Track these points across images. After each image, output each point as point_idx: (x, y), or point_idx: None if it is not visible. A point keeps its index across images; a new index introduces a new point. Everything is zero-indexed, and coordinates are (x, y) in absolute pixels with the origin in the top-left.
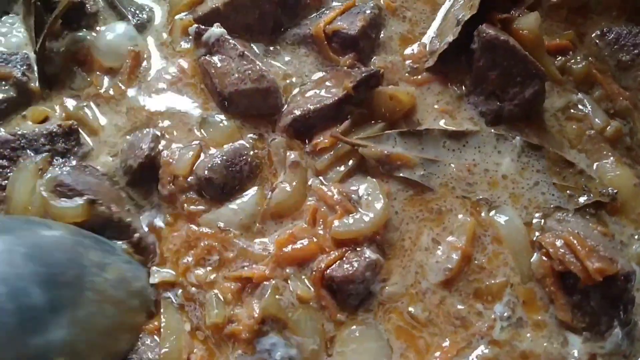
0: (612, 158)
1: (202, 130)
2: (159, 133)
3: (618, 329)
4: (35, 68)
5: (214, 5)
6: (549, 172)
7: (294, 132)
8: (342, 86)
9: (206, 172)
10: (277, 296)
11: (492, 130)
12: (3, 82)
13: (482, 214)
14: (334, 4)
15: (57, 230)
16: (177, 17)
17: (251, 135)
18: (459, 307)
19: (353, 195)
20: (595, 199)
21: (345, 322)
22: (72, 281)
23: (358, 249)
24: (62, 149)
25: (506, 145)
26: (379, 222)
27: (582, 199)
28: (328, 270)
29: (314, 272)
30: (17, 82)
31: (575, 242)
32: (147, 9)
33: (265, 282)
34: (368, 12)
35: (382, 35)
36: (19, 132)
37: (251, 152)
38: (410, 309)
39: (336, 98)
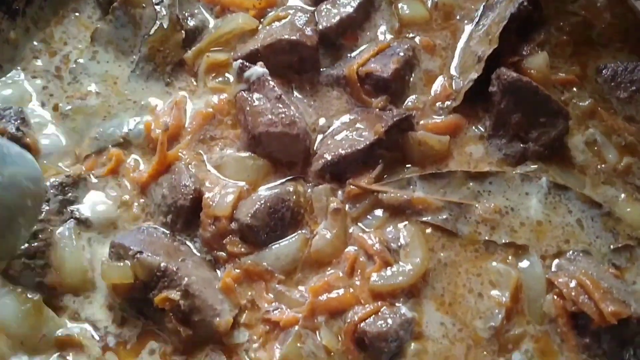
0: (623, 195)
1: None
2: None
3: None
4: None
5: (254, 47)
6: (576, 214)
7: (329, 177)
8: (374, 130)
9: (248, 218)
10: (299, 344)
11: (517, 171)
12: None
13: (509, 260)
14: (369, 45)
15: None
16: (207, 54)
17: (290, 180)
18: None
19: (392, 244)
20: (625, 242)
21: None
22: None
23: (394, 304)
24: (73, 198)
25: (532, 186)
26: (418, 274)
27: (612, 244)
28: (361, 324)
29: (347, 323)
30: (11, 137)
31: (589, 283)
32: None
33: (291, 329)
34: (402, 54)
35: (413, 75)
36: None
37: (293, 198)
38: None
39: (367, 142)
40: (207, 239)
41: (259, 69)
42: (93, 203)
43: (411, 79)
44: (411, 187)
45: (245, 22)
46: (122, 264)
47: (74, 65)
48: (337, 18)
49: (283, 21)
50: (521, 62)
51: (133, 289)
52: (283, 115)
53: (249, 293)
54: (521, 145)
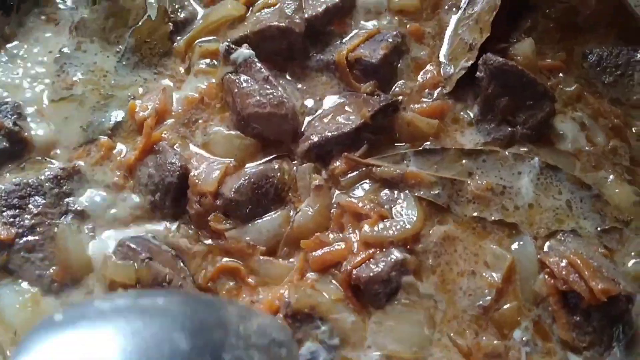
0: (612, 176)
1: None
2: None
3: (617, 349)
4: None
5: (243, 33)
6: (566, 195)
7: (314, 157)
8: (360, 114)
9: (232, 193)
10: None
11: (510, 151)
12: None
13: (499, 238)
14: (358, 31)
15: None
16: (196, 42)
17: (276, 158)
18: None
19: (386, 205)
20: (612, 224)
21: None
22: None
23: (385, 249)
24: (69, 190)
25: (524, 166)
26: (415, 227)
27: (599, 226)
28: (355, 271)
29: (341, 273)
30: (9, 132)
31: (579, 262)
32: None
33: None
34: (390, 40)
35: (401, 62)
36: (23, 181)
37: (277, 175)
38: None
39: (353, 126)
40: (194, 217)
41: (245, 51)
42: (88, 194)
43: (399, 66)
44: (405, 162)
45: (234, 8)
46: (128, 263)
47: (58, 55)
48: (324, 7)
49: (272, 8)
50: (508, 48)
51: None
52: (271, 96)
53: (230, 284)
54: (509, 128)
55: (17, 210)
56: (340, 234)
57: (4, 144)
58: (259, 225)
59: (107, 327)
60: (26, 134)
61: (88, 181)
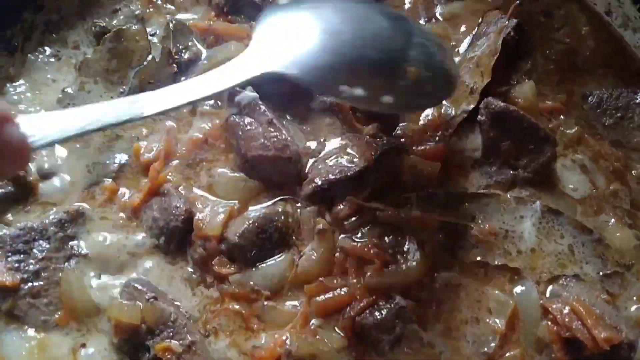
0: (613, 220)
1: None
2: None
3: None
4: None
5: None
6: (568, 240)
7: (318, 200)
8: (364, 157)
9: (236, 238)
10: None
11: (512, 195)
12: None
13: (502, 282)
14: None
15: None
16: None
17: (280, 200)
18: None
19: (389, 250)
20: (613, 269)
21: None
22: None
23: (389, 296)
24: (73, 233)
25: (526, 209)
26: (419, 273)
27: (600, 270)
28: (357, 318)
29: (344, 319)
30: (14, 176)
31: (582, 310)
32: None
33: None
34: None
35: None
36: (28, 225)
37: (282, 218)
38: None
39: (357, 169)
40: (196, 260)
41: (249, 93)
42: (92, 237)
43: None
44: (409, 205)
45: (237, 50)
46: (132, 303)
47: (61, 95)
48: None
49: None
50: (509, 91)
51: (134, 331)
52: (275, 139)
53: (231, 327)
54: (511, 171)
55: (22, 255)
56: (344, 279)
57: (10, 188)
58: (264, 270)
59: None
60: (31, 177)
61: (92, 224)
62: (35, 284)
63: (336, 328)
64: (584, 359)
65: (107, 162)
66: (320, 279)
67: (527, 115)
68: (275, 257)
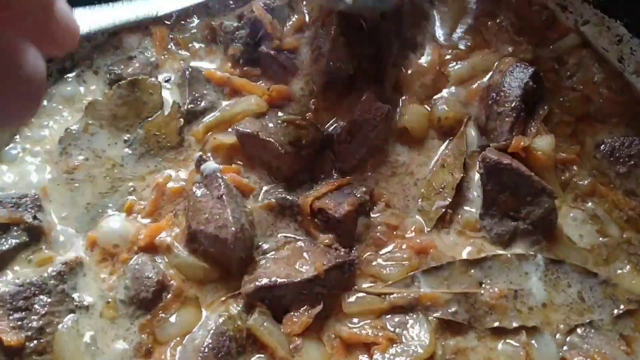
0: (628, 266)
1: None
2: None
3: None
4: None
5: (253, 131)
6: (576, 287)
7: (259, 299)
8: (316, 266)
9: None
10: None
11: (512, 253)
12: (15, 227)
13: (522, 341)
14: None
15: None
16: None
17: (222, 304)
18: None
19: (391, 329)
20: (627, 307)
21: None
22: None
23: None
24: (73, 285)
25: (529, 265)
26: (429, 350)
27: (614, 310)
28: None
29: None
30: (28, 226)
31: None
32: None
33: None
34: (358, 195)
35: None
36: (27, 281)
37: (229, 324)
38: None
39: (305, 277)
40: None
41: (212, 164)
42: (90, 289)
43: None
44: (415, 284)
45: (257, 103)
46: None
47: (63, 135)
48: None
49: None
50: (530, 145)
51: None
52: (217, 216)
53: None
54: (512, 223)
55: (23, 313)
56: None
57: (24, 238)
58: None
59: None
60: (44, 226)
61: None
62: (41, 340)
63: None
64: None
65: (103, 208)
66: None
67: (522, 167)
68: None
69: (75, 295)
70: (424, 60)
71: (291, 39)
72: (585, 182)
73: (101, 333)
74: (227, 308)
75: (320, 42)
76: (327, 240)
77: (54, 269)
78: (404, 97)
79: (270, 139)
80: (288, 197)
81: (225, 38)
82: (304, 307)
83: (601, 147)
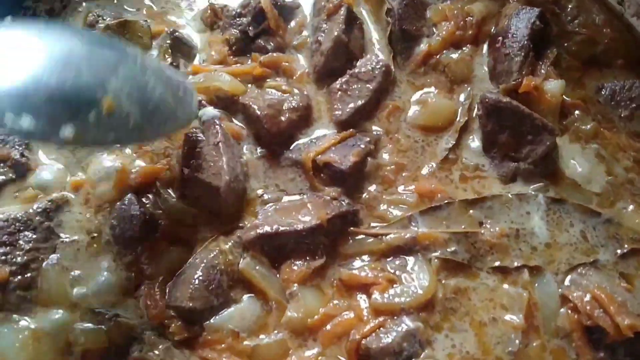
0: (632, 206)
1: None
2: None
3: None
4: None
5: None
6: (578, 226)
7: (260, 249)
8: (318, 215)
9: (190, 303)
10: None
11: (512, 193)
12: (1, 164)
13: (523, 280)
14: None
15: None
16: None
17: (212, 241)
18: None
19: (391, 271)
20: (631, 247)
21: None
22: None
23: (396, 317)
24: (58, 223)
25: (531, 205)
26: (429, 291)
27: (617, 250)
28: (364, 341)
29: (349, 342)
30: (15, 163)
31: (604, 297)
32: None
33: None
34: (363, 146)
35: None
36: (11, 217)
37: (220, 258)
38: None
39: (307, 226)
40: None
41: (211, 110)
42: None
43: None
44: (413, 224)
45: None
46: (96, 327)
47: None
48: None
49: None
50: (541, 86)
51: (106, 356)
52: (212, 164)
53: None
54: (512, 164)
55: (8, 248)
56: (347, 301)
57: (11, 175)
58: (233, 313)
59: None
60: (32, 165)
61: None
62: (25, 276)
63: (339, 356)
64: (606, 347)
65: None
66: (321, 310)
67: (522, 106)
68: (240, 304)
69: (60, 232)
70: None
71: (292, 39)
72: (588, 126)
73: (87, 269)
74: (219, 244)
75: (322, 37)
76: (333, 193)
77: (40, 205)
78: None
79: (249, 103)
80: (291, 155)
81: (225, 22)
82: (305, 258)
83: (602, 90)
